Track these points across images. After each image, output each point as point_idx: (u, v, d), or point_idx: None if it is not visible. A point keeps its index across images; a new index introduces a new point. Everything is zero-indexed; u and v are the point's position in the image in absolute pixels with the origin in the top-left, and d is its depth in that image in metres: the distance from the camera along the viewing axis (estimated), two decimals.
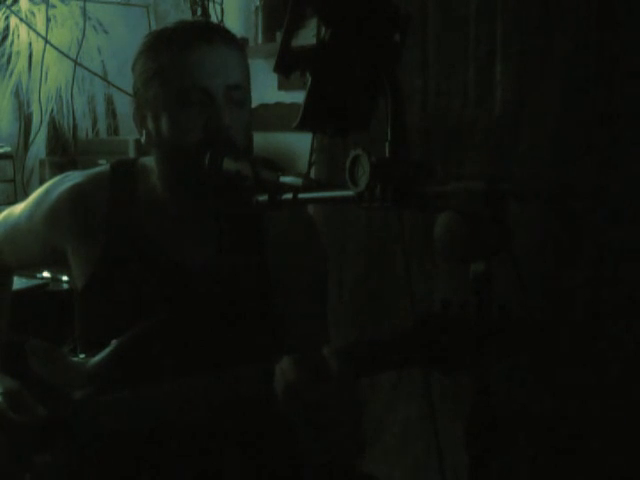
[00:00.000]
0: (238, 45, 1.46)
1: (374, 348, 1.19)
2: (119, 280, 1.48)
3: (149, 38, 1.46)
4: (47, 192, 1.57)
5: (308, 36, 1.02)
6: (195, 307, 1.47)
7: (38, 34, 2.92)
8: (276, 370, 1.18)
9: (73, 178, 1.56)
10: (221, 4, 2.93)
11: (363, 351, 1.19)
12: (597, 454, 1.95)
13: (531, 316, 1.17)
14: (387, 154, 1.00)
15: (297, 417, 1.16)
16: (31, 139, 3.03)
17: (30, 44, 2.96)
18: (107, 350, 1.41)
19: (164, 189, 1.49)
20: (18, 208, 1.63)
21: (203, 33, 1.42)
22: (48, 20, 2.94)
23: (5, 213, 1.67)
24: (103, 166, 1.59)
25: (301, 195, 1.14)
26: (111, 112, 3.14)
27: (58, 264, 1.61)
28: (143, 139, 1.48)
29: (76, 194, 1.53)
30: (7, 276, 1.74)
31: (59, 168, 2.84)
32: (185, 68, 1.40)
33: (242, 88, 1.44)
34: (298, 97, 2.67)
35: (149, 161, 1.53)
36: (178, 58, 1.40)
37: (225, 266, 1.50)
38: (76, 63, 2.93)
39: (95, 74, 3.00)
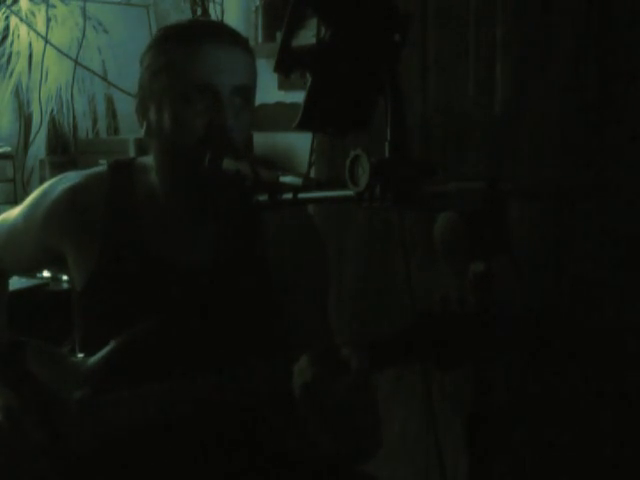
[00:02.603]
0: (247, 47, 1.47)
1: (393, 343, 1.19)
2: (118, 280, 1.48)
3: (161, 33, 1.48)
4: (44, 193, 1.57)
5: (308, 36, 1.03)
6: (194, 306, 1.47)
7: (38, 34, 2.91)
8: (295, 369, 1.18)
9: (71, 179, 1.56)
10: (221, 4, 2.93)
11: (383, 347, 1.20)
12: (599, 453, 1.95)
13: (531, 314, 1.17)
14: (387, 154, 1.00)
15: (315, 415, 1.16)
16: (31, 139, 3.03)
17: (30, 44, 2.95)
18: (106, 350, 1.41)
19: (162, 184, 1.49)
20: (16, 210, 1.63)
21: (214, 32, 1.43)
22: (48, 20, 2.93)
23: (3, 216, 1.67)
24: (101, 166, 1.59)
25: (301, 195, 1.14)
26: (111, 112, 3.14)
27: (56, 265, 1.61)
28: (143, 131, 1.48)
29: (74, 195, 1.52)
30: (4, 278, 1.74)
31: (59, 168, 2.83)
32: (194, 65, 1.40)
33: (248, 89, 1.45)
34: (298, 97, 2.66)
35: (147, 160, 1.53)
36: (188, 54, 1.41)
37: (224, 265, 1.50)
38: (76, 63, 2.93)
39: (95, 74, 2.99)
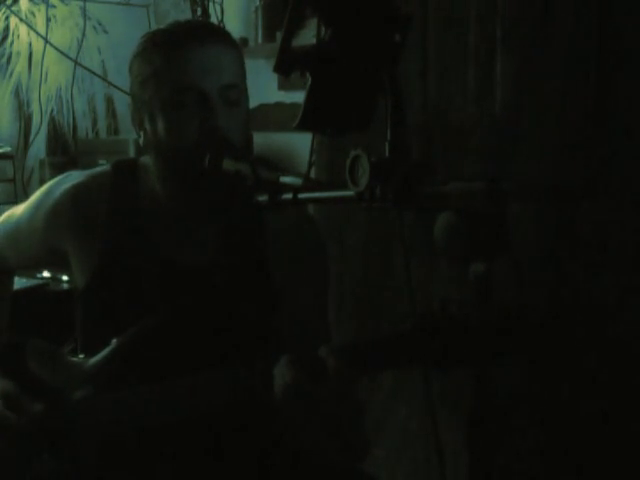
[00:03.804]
0: (232, 43, 1.45)
1: (373, 347, 1.20)
2: (120, 279, 1.48)
3: (143, 40, 1.46)
4: (48, 192, 1.57)
5: (308, 36, 1.03)
6: (195, 306, 1.47)
7: (38, 34, 2.92)
8: (275, 370, 1.18)
9: (74, 178, 1.56)
10: (221, 4, 2.93)
11: (362, 350, 1.20)
12: (598, 452, 1.95)
13: (531, 315, 1.17)
14: (387, 154, 1.00)
15: (296, 416, 1.16)
16: (31, 139, 3.04)
17: (30, 44, 2.96)
18: (107, 350, 1.41)
19: (163, 190, 1.49)
20: (19, 209, 1.63)
21: (195, 33, 1.41)
22: (48, 20, 2.94)
23: (6, 214, 1.67)
24: (104, 166, 1.59)
25: (301, 195, 1.14)
26: (111, 112, 3.15)
27: (59, 264, 1.61)
28: (141, 141, 1.48)
29: (77, 194, 1.53)
30: (8, 277, 1.74)
31: (59, 168, 2.84)
32: (178, 70, 1.39)
33: (237, 87, 1.43)
34: (298, 97, 2.67)
35: (149, 160, 1.53)
36: (171, 60, 1.40)
37: (225, 265, 1.50)
38: (76, 63, 2.93)
39: (95, 74, 3.00)
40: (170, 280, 1.48)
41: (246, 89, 1.47)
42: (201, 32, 1.42)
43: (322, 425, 1.15)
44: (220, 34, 1.45)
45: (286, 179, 1.18)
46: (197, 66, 1.39)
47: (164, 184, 1.49)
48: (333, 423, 1.14)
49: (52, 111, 3.02)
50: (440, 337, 1.15)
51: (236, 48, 1.45)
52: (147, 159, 1.55)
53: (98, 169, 1.59)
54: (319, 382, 1.14)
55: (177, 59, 1.39)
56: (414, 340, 1.16)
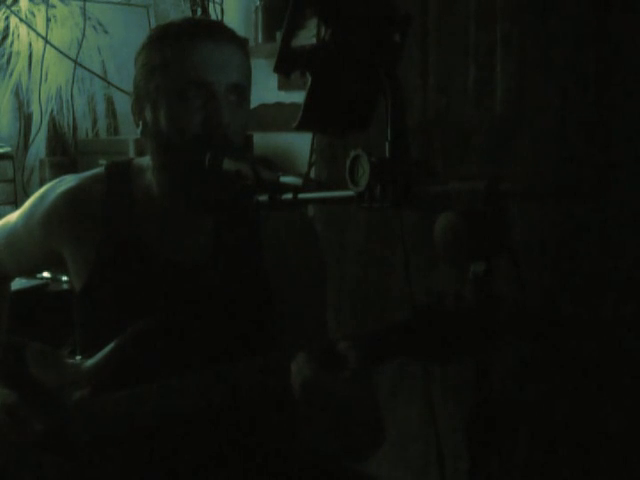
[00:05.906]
0: (242, 45, 1.47)
1: (387, 337, 1.20)
2: (116, 280, 1.48)
3: (155, 31, 1.48)
4: (42, 197, 1.57)
5: (308, 36, 1.03)
6: (192, 305, 1.47)
7: (38, 34, 2.91)
8: (292, 366, 1.18)
9: (68, 182, 1.56)
10: (221, 4, 2.93)
11: (376, 340, 1.20)
12: (598, 452, 1.95)
13: (529, 310, 1.17)
14: (387, 154, 1.00)
15: (317, 412, 1.16)
16: (31, 139, 3.03)
17: (30, 44, 2.95)
18: (105, 350, 1.41)
19: (159, 184, 1.49)
20: (15, 214, 1.64)
21: (209, 30, 1.43)
22: (48, 20, 2.94)
23: (2, 221, 1.67)
24: (98, 168, 1.59)
25: (301, 195, 1.14)
26: (111, 112, 3.14)
27: (56, 267, 1.61)
28: (139, 130, 1.49)
29: (71, 197, 1.53)
30: (5, 283, 1.74)
31: (59, 168, 2.84)
32: (189, 63, 1.40)
33: (243, 87, 1.45)
34: (298, 97, 2.67)
35: (144, 161, 1.54)
36: (183, 52, 1.41)
37: (222, 264, 1.50)
38: (76, 63, 2.93)
39: (95, 74, 3.00)
40: (167, 280, 1.48)
41: (250, 91, 1.48)
42: (215, 30, 1.44)
43: (339, 417, 1.16)
44: (232, 34, 1.47)
45: (286, 179, 1.18)
46: (208, 62, 1.40)
47: (160, 182, 1.49)
48: (350, 414, 1.15)
49: (52, 111, 3.01)
50: (437, 329, 1.16)
51: (245, 50, 1.47)
52: (141, 160, 1.56)
53: (91, 172, 1.59)
54: (338, 377, 1.14)
55: (189, 52, 1.40)
56: (410, 332, 1.17)
